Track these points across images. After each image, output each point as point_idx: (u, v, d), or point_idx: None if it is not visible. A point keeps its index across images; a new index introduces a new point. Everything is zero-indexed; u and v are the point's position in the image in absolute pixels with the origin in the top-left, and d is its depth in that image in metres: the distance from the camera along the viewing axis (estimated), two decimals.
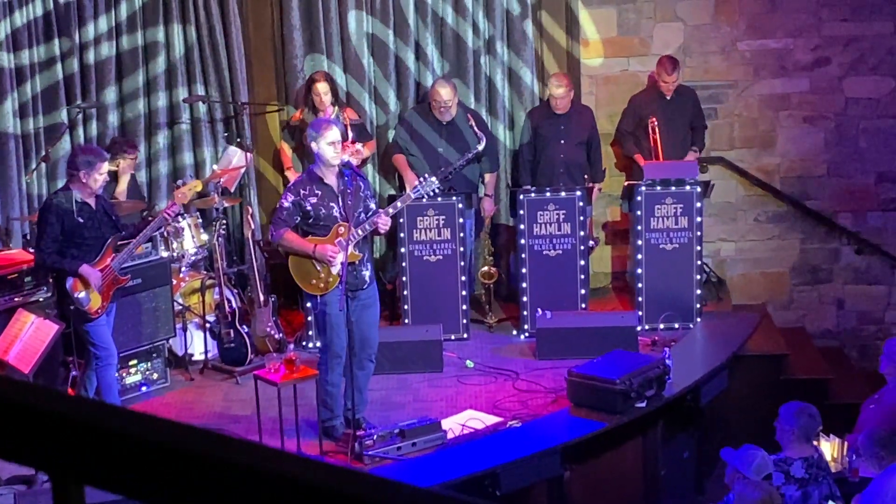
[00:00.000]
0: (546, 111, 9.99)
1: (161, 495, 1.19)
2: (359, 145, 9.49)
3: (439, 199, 9.28)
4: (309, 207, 7.48)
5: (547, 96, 10.05)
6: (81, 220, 7.54)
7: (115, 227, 7.76)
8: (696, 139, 10.18)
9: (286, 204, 7.53)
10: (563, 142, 9.92)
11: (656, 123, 9.93)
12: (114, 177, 9.17)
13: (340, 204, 7.46)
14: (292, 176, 9.34)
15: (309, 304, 8.88)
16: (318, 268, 7.53)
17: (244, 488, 1.17)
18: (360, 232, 7.52)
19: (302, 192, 7.49)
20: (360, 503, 1.15)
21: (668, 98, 10.03)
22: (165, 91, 10.00)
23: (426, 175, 8.18)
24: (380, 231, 7.69)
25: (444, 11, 10.22)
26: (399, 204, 7.90)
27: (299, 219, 7.54)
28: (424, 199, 8.51)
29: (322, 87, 9.68)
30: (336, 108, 9.73)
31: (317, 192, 7.48)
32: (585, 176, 9.90)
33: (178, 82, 10.00)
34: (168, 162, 10.07)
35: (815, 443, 7.09)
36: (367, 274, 7.69)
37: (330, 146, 7.41)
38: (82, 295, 7.57)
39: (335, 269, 7.48)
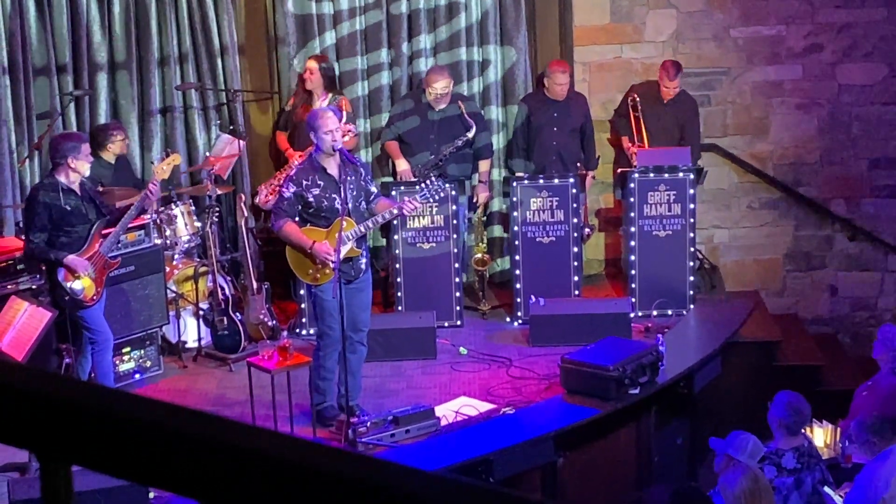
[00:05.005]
0: (540, 97, 9.98)
1: (147, 474, 1.19)
2: (350, 125, 9.46)
3: (440, 181, 9.27)
4: (311, 199, 7.47)
5: (539, 83, 10.04)
6: (69, 208, 7.53)
7: (100, 213, 7.74)
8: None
9: (287, 194, 7.52)
10: (556, 129, 9.92)
11: (639, 107, 9.90)
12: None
13: (342, 195, 7.46)
14: (298, 160, 9.28)
15: (302, 292, 8.91)
16: (317, 260, 7.52)
17: (234, 467, 1.17)
18: (362, 229, 7.55)
19: (304, 182, 7.48)
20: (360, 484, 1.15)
21: (665, 102, 9.98)
22: (158, 78, 9.97)
23: (431, 178, 8.15)
24: (405, 214, 7.77)
25: (437, 5, 10.20)
26: (419, 198, 7.82)
27: (300, 207, 7.53)
28: (432, 202, 8.50)
29: (312, 65, 9.67)
30: (331, 95, 9.72)
31: (319, 182, 7.47)
32: (578, 164, 9.90)
33: (170, 70, 9.97)
34: (160, 149, 10.04)
35: (805, 430, 7.12)
36: (363, 263, 7.71)
37: (327, 135, 7.40)
38: (76, 285, 7.56)
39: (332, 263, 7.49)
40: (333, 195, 7.48)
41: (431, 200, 8.19)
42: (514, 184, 9.52)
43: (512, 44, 10.27)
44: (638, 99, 9.93)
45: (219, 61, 10.02)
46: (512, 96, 10.34)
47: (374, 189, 7.78)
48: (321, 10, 10.16)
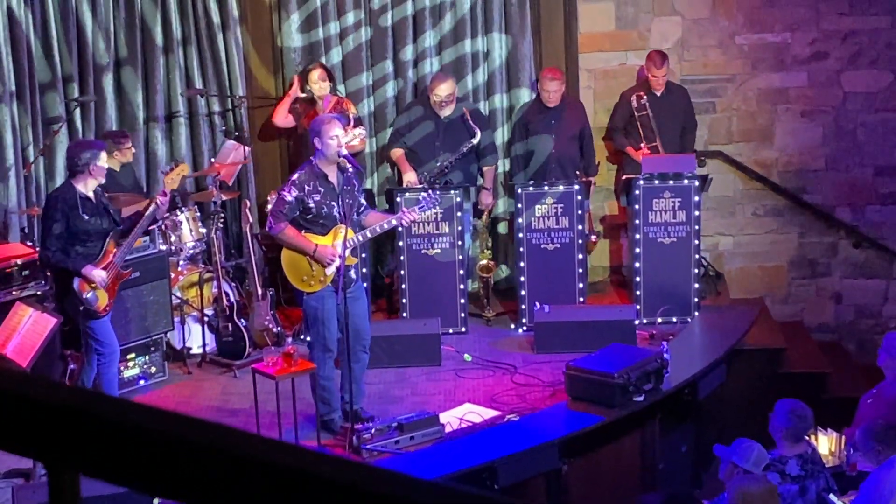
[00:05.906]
0: (537, 105, 9.98)
1: (154, 484, 1.19)
2: (359, 129, 9.42)
3: (438, 192, 9.28)
4: (312, 204, 7.49)
5: (538, 91, 10.03)
6: (86, 217, 7.52)
7: (113, 221, 7.75)
8: (687, 143, 10.12)
9: (288, 198, 7.52)
10: (554, 136, 9.91)
11: (647, 106, 9.90)
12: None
13: (340, 203, 7.48)
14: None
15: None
16: (313, 267, 7.54)
17: (237, 476, 1.17)
18: (360, 238, 7.60)
19: (306, 188, 7.50)
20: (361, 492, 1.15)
21: (659, 94, 10.01)
22: (163, 84, 9.98)
23: (429, 193, 8.22)
24: (404, 225, 7.91)
25: (442, 2, 10.21)
26: (417, 210, 7.85)
27: (299, 213, 7.54)
28: (431, 213, 8.59)
29: (318, 75, 9.67)
30: (335, 98, 9.72)
31: (320, 188, 7.50)
32: (577, 171, 9.89)
33: (175, 75, 9.98)
34: (166, 156, 10.05)
35: (808, 437, 7.10)
36: (353, 272, 7.75)
37: (332, 140, 7.42)
38: (90, 295, 7.54)
39: (329, 270, 7.50)
40: (332, 202, 7.52)
41: (429, 211, 8.23)
42: (519, 190, 9.52)
43: (517, 49, 10.26)
44: (645, 97, 9.93)
45: (224, 67, 10.01)
46: (516, 81, 10.33)
47: (363, 201, 7.85)
48: (327, 33, 10.16)
